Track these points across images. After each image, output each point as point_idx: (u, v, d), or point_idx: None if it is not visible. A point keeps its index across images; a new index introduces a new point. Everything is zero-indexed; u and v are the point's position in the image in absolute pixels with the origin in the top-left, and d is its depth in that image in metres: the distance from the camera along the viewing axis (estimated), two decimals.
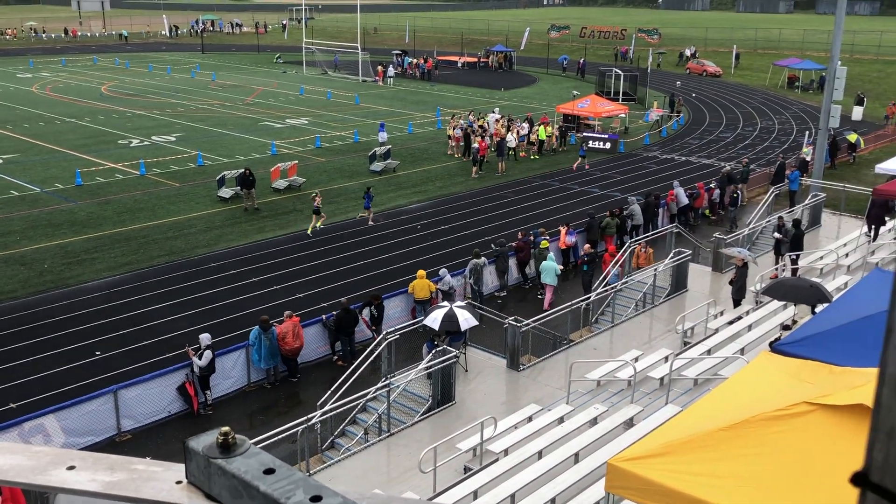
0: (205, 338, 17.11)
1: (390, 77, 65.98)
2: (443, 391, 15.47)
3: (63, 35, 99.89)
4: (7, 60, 76.37)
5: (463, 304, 17.70)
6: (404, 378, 16.01)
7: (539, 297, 23.29)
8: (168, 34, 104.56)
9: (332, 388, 15.52)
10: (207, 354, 16.81)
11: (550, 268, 22.52)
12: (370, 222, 28.51)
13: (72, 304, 21.32)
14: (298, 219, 29.21)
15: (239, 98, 56.04)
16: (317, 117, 49.11)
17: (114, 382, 16.50)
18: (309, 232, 27.26)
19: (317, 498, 1.05)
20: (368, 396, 15.55)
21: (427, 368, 15.63)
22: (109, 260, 24.57)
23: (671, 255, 21.42)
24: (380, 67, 66.58)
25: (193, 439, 1.18)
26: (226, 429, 1.17)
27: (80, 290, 22.23)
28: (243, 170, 30.39)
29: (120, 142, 40.84)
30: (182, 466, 1.20)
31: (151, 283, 22.83)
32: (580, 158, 37.80)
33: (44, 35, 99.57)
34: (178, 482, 1.17)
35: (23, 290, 22.20)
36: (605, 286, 20.90)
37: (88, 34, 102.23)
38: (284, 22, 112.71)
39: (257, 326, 17.98)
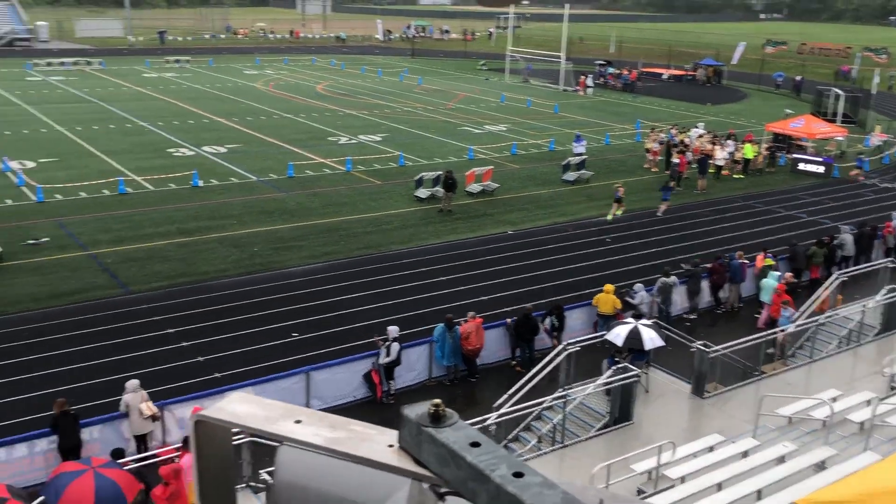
0: (393, 330, 17.81)
1: (590, 88, 65.49)
2: (621, 409, 15.18)
3: (287, 36, 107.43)
4: (237, 58, 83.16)
5: (649, 322, 17.27)
6: (582, 391, 15.86)
7: (755, 315, 22.45)
8: (381, 38, 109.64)
9: (508, 392, 15.67)
10: (395, 346, 17.49)
11: (770, 286, 21.51)
12: (660, 213, 30.60)
13: (276, 286, 22.91)
14: (489, 223, 29.69)
15: (441, 103, 57.73)
16: (515, 125, 49.64)
17: (307, 364, 17.58)
18: (609, 218, 29.45)
19: (519, 474, 1.13)
20: (544, 405, 15.55)
21: (606, 384, 15.40)
22: (313, 248, 26.15)
23: (884, 291, 19.75)
24: (581, 77, 66.24)
25: (408, 408, 1.30)
26: (437, 401, 1.28)
27: (284, 275, 23.85)
28: (444, 172, 31.35)
29: (330, 138, 43.36)
30: (395, 432, 1.31)
31: (348, 274, 24.08)
32: (859, 170, 37.97)
33: (271, 35, 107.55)
34: (391, 446, 1.29)
35: (234, 270, 24.11)
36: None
37: (310, 35, 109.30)
38: (491, 30, 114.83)
39: (442, 324, 18.49)
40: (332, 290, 22.84)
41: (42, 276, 22.86)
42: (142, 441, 14.90)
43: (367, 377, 17.71)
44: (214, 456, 1.42)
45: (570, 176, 35.76)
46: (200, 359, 18.61)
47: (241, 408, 1.37)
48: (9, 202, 29.44)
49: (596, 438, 14.85)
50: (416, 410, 1.29)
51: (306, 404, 17.10)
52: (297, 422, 1.34)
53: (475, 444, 1.20)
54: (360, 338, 19.63)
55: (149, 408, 14.76)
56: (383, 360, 17.53)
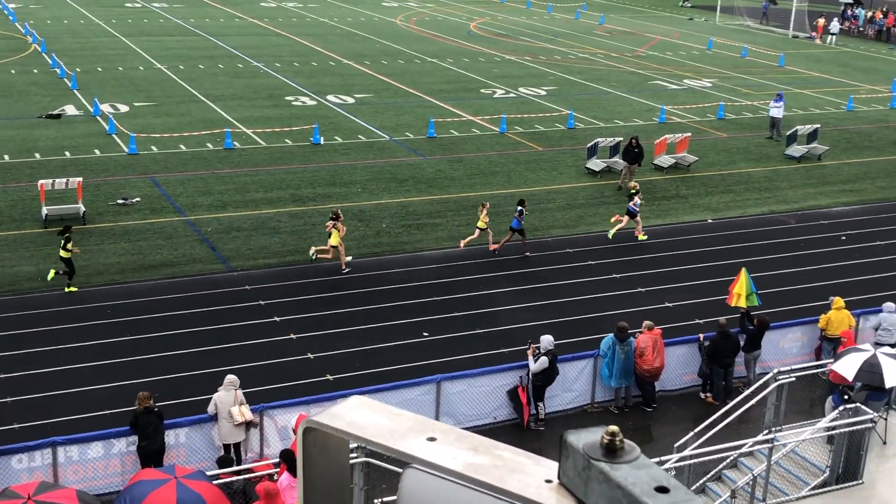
0: (547, 340, 17.69)
1: (832, 34, 62.85)
2: (846, 463, 14.58)
3: None
4: None
5: (894, 352, 16.42)
6: (795, 436, 15.33)
7: None
8: None
9: (695, 430, 15.33)
10: (543, 360, 17.39)
11: None
12: None
13: (406, 272, 23.36)
14: (681, 207, 29.07)
15: (628, 49, 56.93)
16: (724, 79, 48.29)
17: (438, 371, 17.80)
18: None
19: None
20: (743, 450, 15.13)
21: (828, 430, 14.81)
22: (452, 228, 26.45)
23: None
24: (819, 21, 63.62)
25: (573, 434, 1.27)
26: (613, 428, 1.24)
27: (415, 259, 24.28)
28: (628, 138, 30.88)
29: (483, 91, 43.67)
30: (554, 464, 1.28)
31: (495, 263, 24.21)
32: None
33: None
34: (548, 481, 1.26)
35: (356, 249, 24.73)
36: None
37: None
38: None
39: (612, 335, 18.26)
40: (473, 281, 23.04)
41: (131, 242, 24.28)
42: (234, 451, 15.59)
43: (514, 395, 17.76)
44: (325, 473, 1.44)
45: (797, 151, 34.40)
46: (310, 356, 19.27)
47: (361, 416, 1.38)
48: (97, 153, 31.44)
49: (811, 499, 14.33)
50: (585, 439, 1.25)
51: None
52: (431, 439, 1.34)
53: (662, 490, 1.15)
54: (507, 344, 19.72)
55: (241, 413, 15.36)
56: (530, 371, 17.50)
